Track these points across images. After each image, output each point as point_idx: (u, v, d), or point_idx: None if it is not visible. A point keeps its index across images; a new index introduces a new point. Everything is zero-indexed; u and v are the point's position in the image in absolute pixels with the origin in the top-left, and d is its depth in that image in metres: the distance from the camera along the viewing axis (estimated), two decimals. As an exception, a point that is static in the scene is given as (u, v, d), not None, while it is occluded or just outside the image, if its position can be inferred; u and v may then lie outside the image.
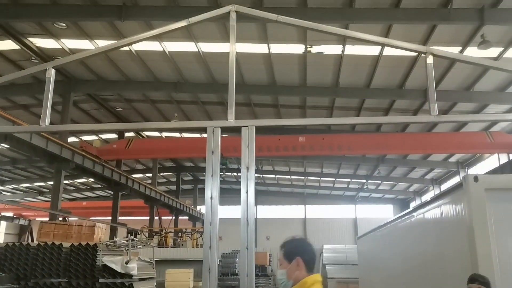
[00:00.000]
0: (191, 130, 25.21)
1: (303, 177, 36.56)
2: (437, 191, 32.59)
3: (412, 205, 39.48)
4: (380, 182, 36.07)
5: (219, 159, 3.49)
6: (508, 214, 6.27)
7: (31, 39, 16.66)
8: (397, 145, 21.35)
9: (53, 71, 3.79)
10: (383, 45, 3.43)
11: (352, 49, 15.73)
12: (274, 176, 36.15)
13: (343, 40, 14.97)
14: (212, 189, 3.40)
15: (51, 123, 3.75)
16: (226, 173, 31.84)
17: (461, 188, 6.76)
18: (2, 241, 23.59)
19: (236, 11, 3.72)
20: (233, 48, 3.88)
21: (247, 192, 3.36)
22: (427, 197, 35.94)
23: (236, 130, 3.58)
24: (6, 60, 17.73)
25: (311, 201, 43.12)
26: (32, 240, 23.00)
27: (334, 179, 36.52)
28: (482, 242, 6.03)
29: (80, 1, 13.80)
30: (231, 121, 3.54)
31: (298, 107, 22.06)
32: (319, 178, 37.03)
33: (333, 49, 15.93)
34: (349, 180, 36.47)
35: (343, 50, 15.75)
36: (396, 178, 33.89)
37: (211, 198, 3.39)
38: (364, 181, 34.77)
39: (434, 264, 8.04)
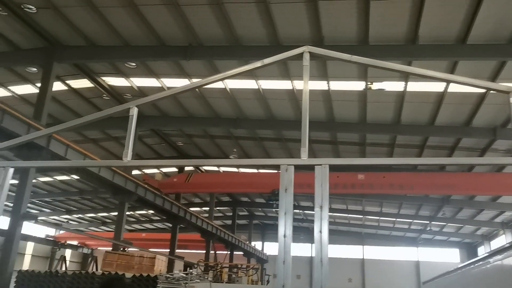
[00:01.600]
0: (253, 167, 25.43)
1: (361, 216, 35.48)
2: (508, 236, 30.34)
3: (480, 250, 36.98)
4: (444, 224, 34.20)
5: (292, 197, 3.49)
6: None
7: (103, 78, 17.85)
8: (464, 186, 20.28)
9: (135, 109, 4.03)
10: (463, 84, 3.31)
11: (414, 86, 15.43)
12: (331, 213, 35.38)
13: (405, 76, 14.74)
14: (285, 227, 3.39)
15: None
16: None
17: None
18: (65, 269, 24.53)
19: (309, 52, 3.80)
20: (306, 87, 3.93)
21: (320, 232, 3.32)
22: (497, 242, 33.52)
23: (309, 168, 3.58)
24: (80, 97, 19.05)
25: (370, 242, 41.62)
26: (97, 269, 23.77)
27: (394, 219, 35.12)
28: None
29: (149, 42, 14.70)
30: (304, 159, 3.54)
31: (356, 144, 21.74)
32: (378, 218, 35.78)
33: (395, 86, 15.70)
34: (411, 220, 34.91)
35: (406, 87, 15.48)
36: (462, 220, 31.99)
37: (284, 236, 3.37)
38: (427, 222, 33.10)
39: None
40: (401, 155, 21.44)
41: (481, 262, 9.65)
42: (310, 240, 32.36)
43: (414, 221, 34.63)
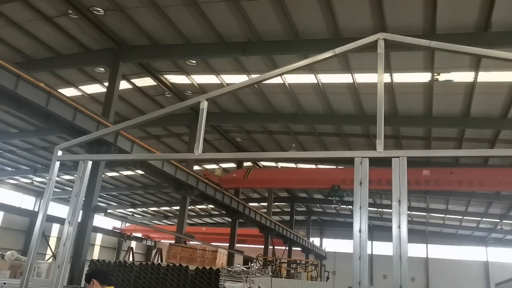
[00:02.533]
0: (322, 161, 25.19)
1: (425, 214, 34.08)
2: None
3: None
4: (517, 222, 32.10)
5: (367, 191, 3.35)
6: None
7: (166, 76, 18.38)
8: (541, 182, 18.86)
9: (205, 103, 4.06)
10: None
11: (486, 76, 14.50)
12: (391, 210, 34.24)
13: (475, 66, 13.90)
14: (360, 222, 3.27)
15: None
16: (341, 206, 30.99)
17: None
18: (132, 259, 25.61)
19: (384, 39, 3.62)
20: (381, 77, 3.74)
21: (399, 227, 3.16)
22: None
23: (384, 161, 3.43)
24: (144, 95, 19.76)
25: (434, 240, 39.92)
26: (161, 261, 24.61)
27: (461, 217, 33.41)
28: None
29: (209, 39, 14.92)
30: (380, 151, 3.39)
31: (421, 139, 20.87)
32: (443, 216, 34.19)
33: (464, 76, 14.85)
34: (480, 219, 33.05)
35: (476, 77, 14.59)
36: (537, 219, 29.86)
37: (360, 231, 3.25)
38: (498, 220, 31.18)
39: None
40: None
41: None
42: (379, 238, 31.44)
43: (483, 219, 32.77)
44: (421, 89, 16.23)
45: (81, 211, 14.91)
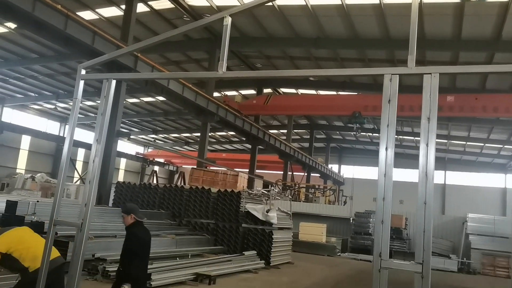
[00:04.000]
0: (344, 88, 24.75)
1: (445, 141, 33.83)
2: None
3: None
4: (539, 150, 31.75)
5: (396, 109, 3.27)
6: None
7: (183, -2, 17.77)
8: None
9: (229, 19, 3.91)
10: None
11: (523, -5, 13.58)
12: (412, 138, 34.12)
13: (513, -16, 12.98)
14: (387, 140, 3.23)
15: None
16: (361, 133, 30.93)
17: None
18: (156, 182, 26.63)
19: None
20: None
21: (427, 145, 3.12)
22: None
23: (415, 78, 3.30)
24: (162, 18, 19.27)
25: (453, 167, 39.97)
26: (184, 184, 25.50)
27: (482, 144, 33.12)
28: None
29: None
30: (411, 67, 3.26)
31: (447, 64, 20.13)
32: (464, 143, 33.94)
33: (499, -4, 13.93)
34: (501, 146, 32.75)
35: (512, -4, 13.68)
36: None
37: (386, 149, 3.22)
38: (520, 148, 30.89)
39: None
40: (499, 76, 19.61)
41: None
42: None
43: (505, 146, 32.47)
44: (451, 10, 15.36)
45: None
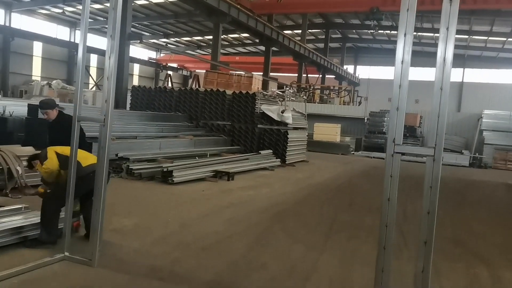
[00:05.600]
0: None
1: (466, 36, 32.47)
2: None
3: None
4: None
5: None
6: None
7: None
8: None
9: None
10: None
11: None
12: (432, 34, 32.80)
13: None
14: (406, 26, 3.14)
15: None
16: (379, 31, 29.77)
17: None
18: (171, 85, 26.60)
19: None
20: None
21: (447, 29, 3.03)
22: None
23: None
24: None
25: (472, 64, 38.83)
26: (199, 86, 25.53)
27: (505, 39, 31.74)
28: None
29: None
30: None
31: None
32: (486, 38, 32.57)
33: None
34: (525, 41, 31.44)
35: None
36: None
37: (405, 35, 3.15)
38: (545, 41, 29.58)
39: None
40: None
41: None
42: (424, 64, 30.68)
43: (529, 41, 31.20)
44: None
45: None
